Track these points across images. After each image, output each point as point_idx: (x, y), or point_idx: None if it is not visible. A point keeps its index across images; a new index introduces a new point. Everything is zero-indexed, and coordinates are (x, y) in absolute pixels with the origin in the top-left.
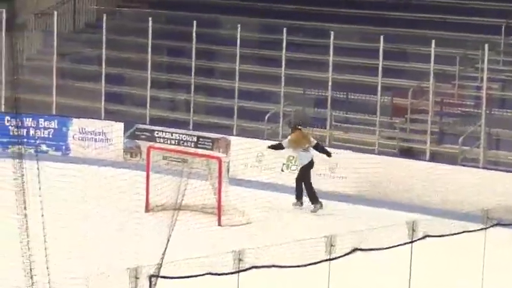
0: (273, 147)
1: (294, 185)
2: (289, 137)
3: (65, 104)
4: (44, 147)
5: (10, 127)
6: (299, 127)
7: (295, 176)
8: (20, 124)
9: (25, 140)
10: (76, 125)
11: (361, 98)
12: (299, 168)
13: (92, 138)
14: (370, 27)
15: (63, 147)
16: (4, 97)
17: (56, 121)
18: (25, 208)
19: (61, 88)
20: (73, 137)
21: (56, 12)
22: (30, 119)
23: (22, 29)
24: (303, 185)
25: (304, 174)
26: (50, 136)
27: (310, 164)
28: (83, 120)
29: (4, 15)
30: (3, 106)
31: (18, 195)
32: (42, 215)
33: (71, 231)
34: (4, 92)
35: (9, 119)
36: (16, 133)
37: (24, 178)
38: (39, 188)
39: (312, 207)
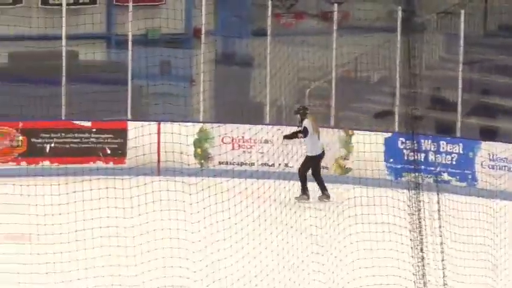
0: (288, 137)
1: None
2: (308, 120)
3: (471, 124)
4: (445, 176)
5: (405, 151)
6: (307, 112)
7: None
8: (417, 147)
9: (423, 166)
10: (485, 149)
11: None
12: (310, 157)
13: (505, 166)
14: None
15: (469, 176)
16: (398, 114)
17: (460, 145)
18: (422, 250)
19: (466, 104)
20: (481, 164)
21: (463, 12)
22: (430, 141)
23: (421, 31)
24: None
25: (317, 166)
26: (453, 163)
27: (323, 154)
28: (493, 144)
29: (400, 14)
30: (396, 125)
31: (413, 234)
32: (443, 260)
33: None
34: (398, 108)
35: (403, 140)
36: (412, 158)
37: (421, 213)
38: (439, 227)
39: (320, 195)
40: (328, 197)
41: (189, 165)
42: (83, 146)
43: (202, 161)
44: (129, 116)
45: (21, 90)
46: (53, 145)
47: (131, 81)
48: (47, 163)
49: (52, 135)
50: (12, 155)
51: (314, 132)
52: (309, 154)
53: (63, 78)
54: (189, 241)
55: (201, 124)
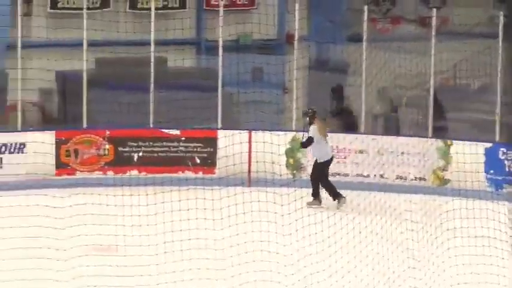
0: (305, 145)
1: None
2: (314, 126)
3: None
4: None
5: (506, 161)
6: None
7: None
8: None
9: None
10: None
11: None
12: (319, 163)
13: None
14: None
15: None
16: (499, 123)
17: None
18: None
19: None
20: None
21: None
22: None
23: None
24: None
25: (326, 171)
26: None
27: (332, 159)
28: None
29: (502, 19)
30: (497, 135)
31: None
32: None
33: None
34: (500, 117)
35: (504, 151)
36: None
37: None
38: None
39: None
40: (320, 202)
41: (280, 175)
42: (172, 155)
43: (295, 171)
44: (220, 125)
45: (107, 97)
46: (140, 154)
47: (222, 88)
48: (134, 172)
49: (140, 143)
50: (98, 164)
51: (322, 138)
52: (319, 160)
53: (152, 85)
54: (280, 254)
55: (294, 133)
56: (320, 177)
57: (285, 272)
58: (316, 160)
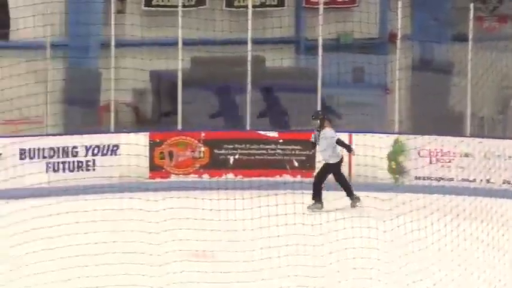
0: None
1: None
2: (330, 128)
3: None
4: None
5: None
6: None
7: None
8: None
9: None
10: None
11: None
12: (332, 163)
13: None
14: None
15: None
16: None
17: None
18: None
19: None
20: None
21: None
22: None
23: None
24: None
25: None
26: None
27: (342, 160)
28: None
29: None
30: None
31: None
32: None
33: None
34: None
35: None
36: None
37: None
38: None
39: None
40: (358, 199)
41: (382, 179)
42: (269, 158)
43: (397, 176)
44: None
45: (203, 98)
46: (237, 157)
47: (321, 89)
48: (230, 176)
49: (236, 146)
50: (193, 167)
51: None
52: (331, 161)
53: (249, 86)
54: (381, 261)
55: (396, 135)
56: (342, 175)
57: (385, 279)
58: (328, 163)
